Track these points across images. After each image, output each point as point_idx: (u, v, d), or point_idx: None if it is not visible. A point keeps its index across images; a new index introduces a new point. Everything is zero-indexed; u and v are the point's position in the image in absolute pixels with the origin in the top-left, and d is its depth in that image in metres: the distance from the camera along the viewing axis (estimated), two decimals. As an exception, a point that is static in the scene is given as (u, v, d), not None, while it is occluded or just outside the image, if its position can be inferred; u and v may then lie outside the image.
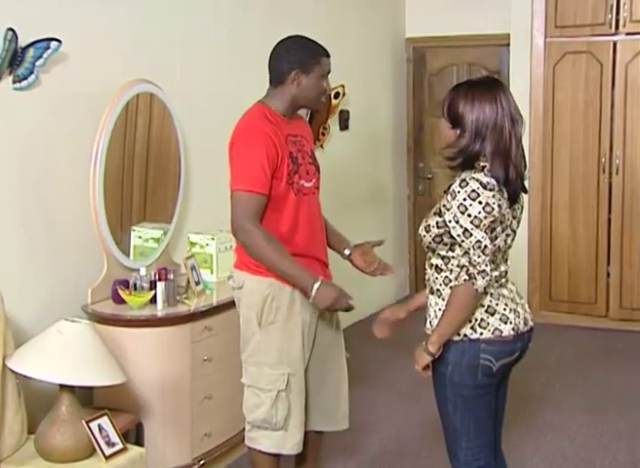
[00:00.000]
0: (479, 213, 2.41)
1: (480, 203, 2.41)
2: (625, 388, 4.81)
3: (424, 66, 6.82)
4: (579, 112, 5.92)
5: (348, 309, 2.96)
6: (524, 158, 2.56)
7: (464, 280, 2.46)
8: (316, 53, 3.00)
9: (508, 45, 6.13)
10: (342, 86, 5.66)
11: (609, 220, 5.92)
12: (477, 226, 2.42)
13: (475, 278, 2.44)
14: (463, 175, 2.47)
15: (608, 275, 5.98)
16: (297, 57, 2.97)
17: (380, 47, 6.48)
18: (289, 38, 3.04)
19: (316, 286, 2.86)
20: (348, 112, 5.96)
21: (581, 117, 5.91)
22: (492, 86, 2.53)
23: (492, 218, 2.43)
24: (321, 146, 5.52)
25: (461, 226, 2.43)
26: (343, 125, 5.95)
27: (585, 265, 6.03)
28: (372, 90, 6.38)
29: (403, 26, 6.75)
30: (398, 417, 4.42)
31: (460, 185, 2.44)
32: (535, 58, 5.98)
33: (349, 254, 3.24)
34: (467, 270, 2.45)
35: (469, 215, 2.42)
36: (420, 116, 6.84)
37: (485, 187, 2.43)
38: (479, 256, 2.43)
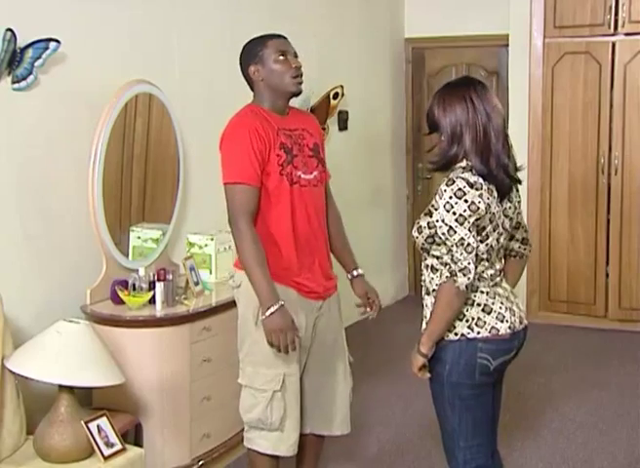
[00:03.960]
0: (464, 211, 2.43)
1: (466, 201, 2.43)
2: (624, 388, 4.81)
3: (423, 67, 6.83)
4: (577, 113, 5.92)
5: (286, 348, 2.87)
6: (509, 149, 2.57)
7: (446, 277, 2.47)
8: (260, 40, 3.01)
9: (507, 46, 6.13)
10: (341, 86, 5.66)
11: (607, 221, 5.92)
12: (461, 224, 2.43)
13: (456, 275, 2.44)
14: (451, 175, 2.50)
15: (607, 275, 5.98)
16: (246, 54, 3.03)
17: (378, 47, 6.48)
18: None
19: (271, 310, 2.84)
20: (347, 113, 5.96)
21: (580, 118, 5.92)
22: (462, 86, 2.56)
23: (477, 216, 2.44)
24: (320, 147, 5.52)
25: (447, 224, 2.45)
26: (342, 125, 5.95)
27: (584, 266, 6.03)
28: (371, 90, 6.38)
29: (402, 27, 6.76)
30: (397, 418, 4.42)
31: (446, 184, 2.47)
32: (533, 59, 5.98)
33: (355, 277, 3.25)
34: (449, 268, 2.46)
35: (454, 213, 2.43)
36: (419, 117, 6.84)
37: (472, 186, 2.45)
38: (461, 254, 2.44)
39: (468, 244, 2.44)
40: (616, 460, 3.88)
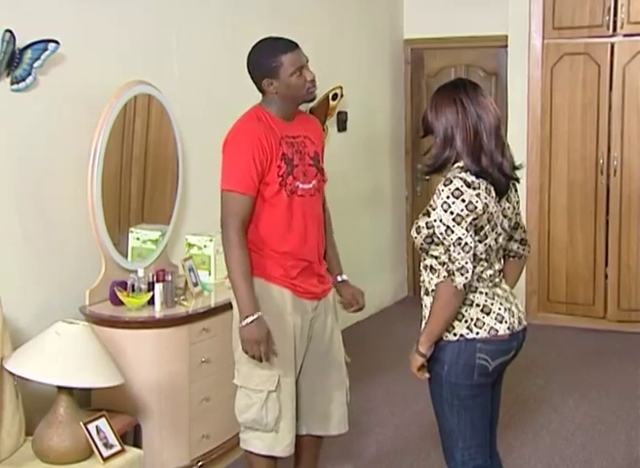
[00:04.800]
0: (461, 210, 2.44)
1: (463, 201, 2.44)
2: (623, 389, 4.81)
3: (422, 68, 6.83)
4: (576, 114, 5.92)
5: (260, 359, 2.92)
6: (504, 148, 2.57)
7: (444, 277, 2.47)
8: (275, 53, 2.93)
9: (506, 46, 6.13)
10: (340, 87, 5.66)
11: (606, 222, 5.93)
12: (459, 224, 2.44)
13: (454, 274, 2.45)
14: (449, 175, 2.52)
15: (606, 276, 5.98)
16: (259, 65, 2.97)
17: (378, 48, 6.49)
18: (253, 47, 3.04)
19: (249, 319, 2.89)
20: (346, 114, 5.96)
21: (579, 119, 5.92)
22: (452, 88, 2.58)
23: (474, 216, 2.45)
24: (319, 148, 5.52)
25: (444, 224, 2.46)
26: (341, 126, 5.95)
27: (583, 267, 6.03)
28: (370, 91, 6.38)
29: (401, 28, 6.76)
30: (396, 419, 4.42)
31: (444, 184, 2.48)
32: (532, 60, 5.98)
33: (341, 282, 3.26)
34: (447, 267, 2.47)
35: (452, 213, 2.44)
36: (418, 118, 6.81)
37: (469, 186, 2.46)
38: (459, 253, 2.44)
39: (466, 243, 2.44)
40: (614, 461, 3.88)
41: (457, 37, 6.46)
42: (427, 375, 2.60)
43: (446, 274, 2.47)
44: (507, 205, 2.61)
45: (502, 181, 2.55)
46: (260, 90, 3.02)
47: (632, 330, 5.88)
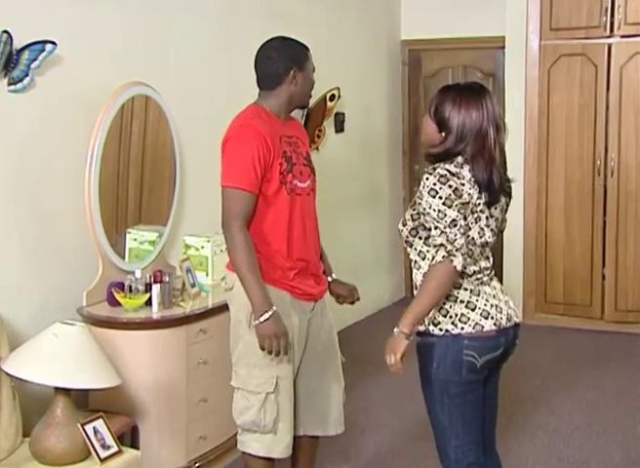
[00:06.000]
0: (449, 195, 2.46)
1: (450, 187, 2.47)
2: (620, 390, 4.81)
3: (420, 69, 6.84)
4: (573, 115, 5.93)
5: (278, 353, 2.90)
6: (505, 164, 2.61)
7: (443, 257, 2.46)
8: (303, 48, 3.06)
9: (503, 47, 6.14)
10: (338, 88, 5.66)
11: (604, 223, 5.93)
12: (450, 207, 2.46)
13: (454, 255, 2.45)
14: (434, 165, 2.53)
15: (603, 277, 5.99)
16: (289, 55, 2.99)
17: (375, 49, 6.49)
18: (273, 40, 3.05)
19: (266, 316, 2.86)
20: (344, 115, 5.96)
21: (576, 120, 5.93)
22: (479, 92, 2.59)
23: (463, 201, 2.46)
24: (316, 149, 5.53)
25: (435, 210, 2.47)
26: (339, 127, 5.95)
27: (581, 268, 6.04)
28: (367, 92, 6.39)
29: (398, 29, 6.76)
30: (393, 420, 4.42)
31: (428, 173, 2.50)
32: (530, 61, 5.99)
33: (332, 281, 3.26)
34: (446, 248, 2.46)
35: (440, 198, 2.46)
36: (416, 118, 6.84)
37: (453, 175, 2.49)
38: (455, 234, 2.46)
39: (461, 225, 2.46)
40: (612, 462, 3.89)
41: (454, 38, 6.47)
42: (400, 366, 2.49)
43: (445, 254, 2.44)
44: (495, 205, 2.62)
45: (497, 193, 2.57)
46: (276, 82, 2.98)
47: (629, 330, 5.88)
